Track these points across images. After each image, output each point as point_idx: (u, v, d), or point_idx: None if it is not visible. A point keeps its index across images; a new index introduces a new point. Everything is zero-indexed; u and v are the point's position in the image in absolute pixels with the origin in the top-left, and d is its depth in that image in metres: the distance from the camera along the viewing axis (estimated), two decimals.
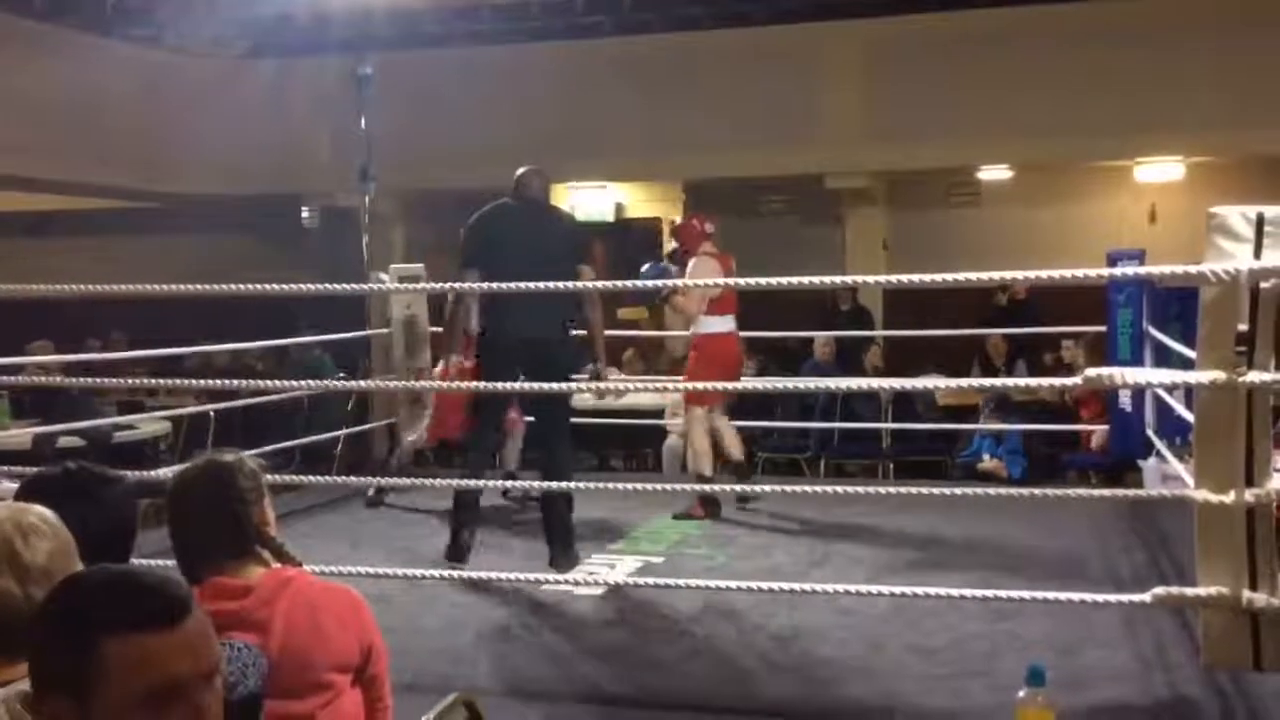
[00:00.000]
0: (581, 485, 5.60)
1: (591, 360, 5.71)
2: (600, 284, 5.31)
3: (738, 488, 6.65)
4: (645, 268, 6.74)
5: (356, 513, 6.80)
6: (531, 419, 5.79)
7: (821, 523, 6.33)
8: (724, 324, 6.63)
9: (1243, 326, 3.46)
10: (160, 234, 13.89)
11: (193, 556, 2.30)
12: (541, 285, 4.52)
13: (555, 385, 4.99)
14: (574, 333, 5.58)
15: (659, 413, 8.67)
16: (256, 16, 11.40)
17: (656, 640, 4.50)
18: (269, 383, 6.90)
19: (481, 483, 5.41)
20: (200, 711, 1.39)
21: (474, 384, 5.31)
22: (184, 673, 1.37)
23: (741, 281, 5.56)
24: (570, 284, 4.88)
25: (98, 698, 1.34)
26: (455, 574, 5.07)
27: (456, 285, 5.35)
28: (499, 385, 5.01)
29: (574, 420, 5.96)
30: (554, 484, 5.22)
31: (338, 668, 2.31)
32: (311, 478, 5.52)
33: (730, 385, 6.47)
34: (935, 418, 9.06)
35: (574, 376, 5.55)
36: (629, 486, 5.58)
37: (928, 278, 4.02)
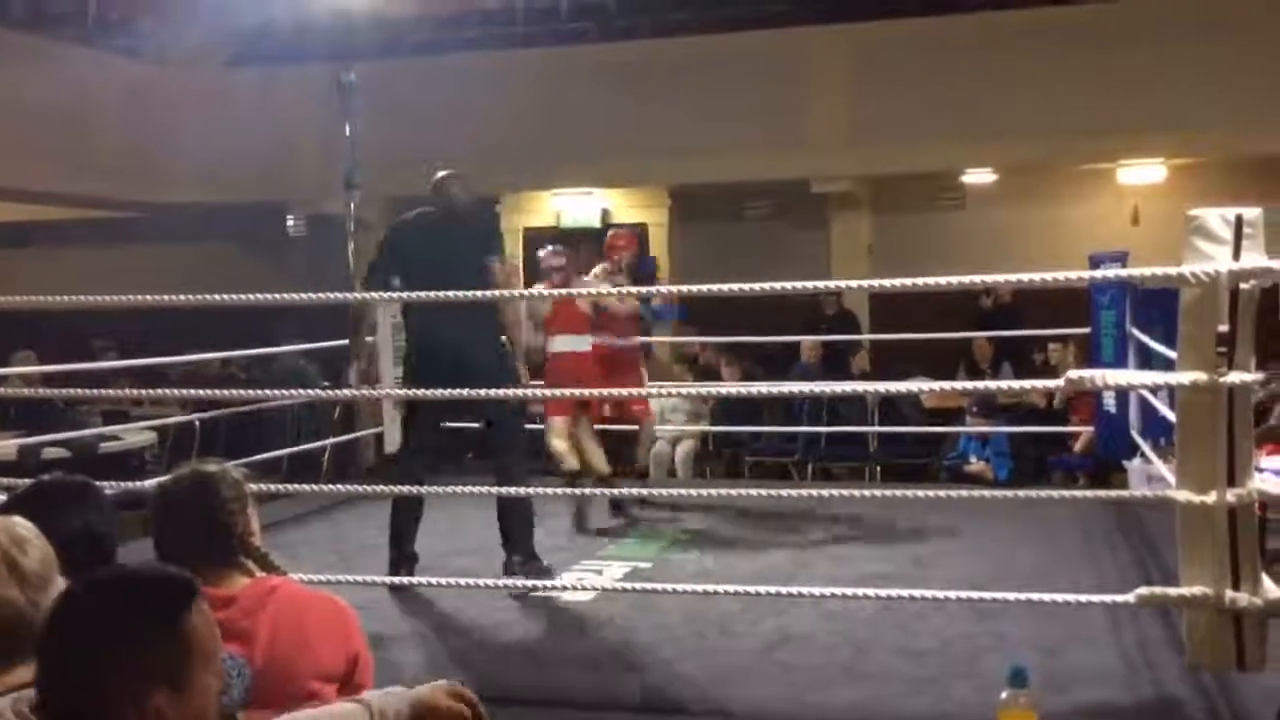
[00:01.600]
0: (571, 490, 5.61)
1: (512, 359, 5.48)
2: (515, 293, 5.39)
3: (639, 492, 6.69)
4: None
5: (343, 521, 6.78)
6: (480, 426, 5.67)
7: (808, 526, 6.35)
8: (564, 343, 6.52)
9: (1223, 327, 3.49)
10: (144, 243, 13.86)
11: (176, 566, 2.30)
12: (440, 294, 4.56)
13: (490, 393, 4.88)
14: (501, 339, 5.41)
15: None
16: (239, 26, 11.39)
17: (645, 645, 4.51)
18: (254, 392, 6.89)
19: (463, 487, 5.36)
20: (221, 667, 1.55)
21: (462, 392, 5.27)
22: (218, 633, 1.52)
23: (726, 287, 5.54)
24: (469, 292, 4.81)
25: (188, 675, 1.43)
26: (443, 581, 5.05)
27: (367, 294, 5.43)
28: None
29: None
30: (510, 493, 5.13)
31: (323, 677, 2.31)
32: (298, 486, 5.49)
33: (707, 389, 6.47)
34: (921, 421, 9.09)
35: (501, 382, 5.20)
36: (617, 492, 5.58)
37: (911, 281, 4.03)
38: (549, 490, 6.05)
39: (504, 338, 5.41)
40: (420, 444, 5.43)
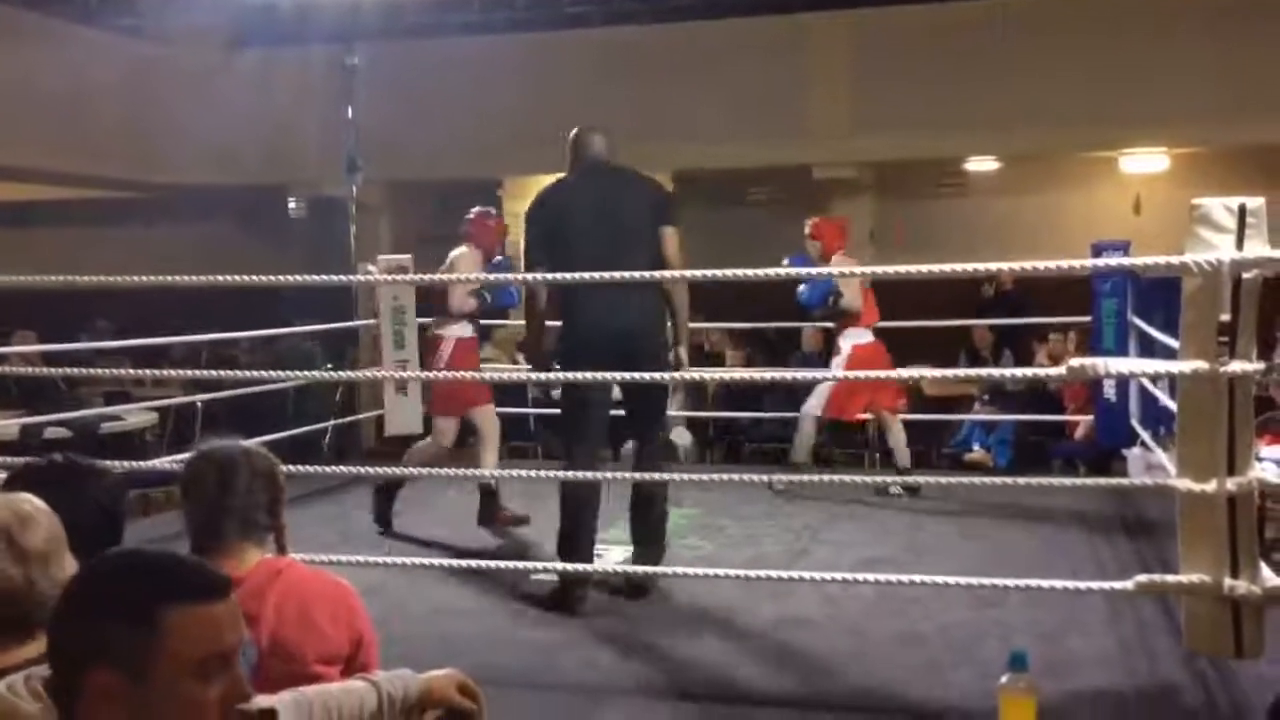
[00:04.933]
0: (569, 475, 5.58)
1: (672, 344, 4.88)
2: (733, 273, 4.36)
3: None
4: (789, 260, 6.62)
5: (345, 502, 6.81)
6: (625, 413, 5.13)
7: (808, 512, 6.36)
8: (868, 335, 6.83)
9: (1225, 317, 3.49)
10: (145, 224, 13.85)
11: (197, 534, 2.35)
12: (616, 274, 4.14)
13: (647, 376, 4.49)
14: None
15: None
16: (242, 6, 11.35)
17: (643, 629, 4.53)
18: (256, 373, 6.90)
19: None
20: (239, 681, 1.44)
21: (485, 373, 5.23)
22: (231, 643, 1.43)
23: (729, 272, 5.54)
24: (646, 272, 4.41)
25: (152, 668, 1.37)
26: (444, 563, 5.07)
27: (526, 276, 4.78)
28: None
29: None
30: (651, 483, 4.84)
31: (327, 660, 2.33)
32: (301, 467, 5.51)
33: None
34: (921, 408, 9.09)
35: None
36: (618, 476, 5.58)
37: (913, 268, 4.04)
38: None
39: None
40: (585, 435, 4.86)
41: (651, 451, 5.00)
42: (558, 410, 4.97)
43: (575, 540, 4.78)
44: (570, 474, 4.76)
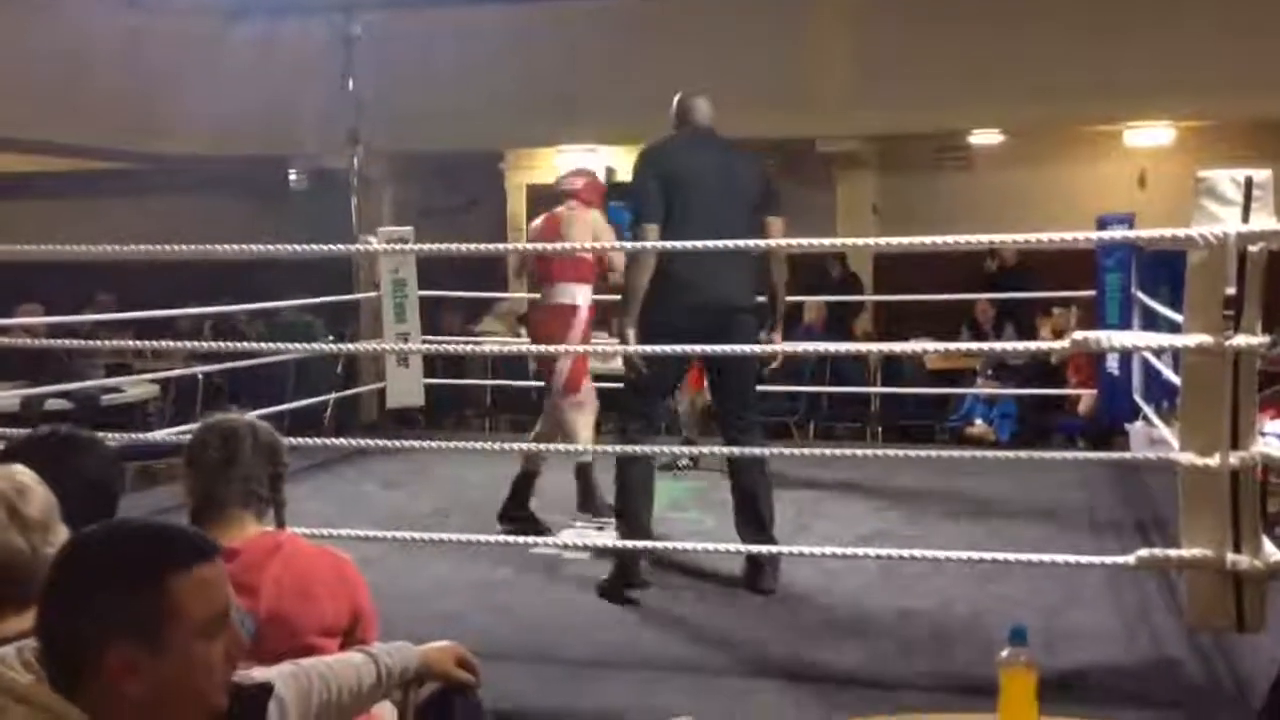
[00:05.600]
0: (561, 448, 5.54)
1: (768, 327, 4.77)
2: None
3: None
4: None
5: (344, 475, 6.80)
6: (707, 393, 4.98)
7: (809, 486, 6.35)
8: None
9: (1230, 290, 3.46)
10: (144, 196, 13.79)
11: (198, 503, 2.37)
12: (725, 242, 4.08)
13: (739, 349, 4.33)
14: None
15: None
16: None
17: (644, 604, 4.52)
18: (258, 345, 6.88)
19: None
20: (238, 636, 1.52)
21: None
22: (227, 602, 1.49)
23: (733, 244, 5.50)
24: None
25: (168, 636, 1.40)
26: (443, 537, 5.06)
27: (633, 245, 4.57)
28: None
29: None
30: (755, 474, 4.64)
31: (324, 632, 2.33)
32: (301, 440, 5.49)
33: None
34: (923, 383, 9.09)
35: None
36: (619, 449, 5.57)
37: (915, 240, 4.01)
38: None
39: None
40: (648, 412, 4.72)
41: (746, 440, 4.68)
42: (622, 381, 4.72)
43: (635, 519, 4.59)
44: (626, 448, 4.61)
